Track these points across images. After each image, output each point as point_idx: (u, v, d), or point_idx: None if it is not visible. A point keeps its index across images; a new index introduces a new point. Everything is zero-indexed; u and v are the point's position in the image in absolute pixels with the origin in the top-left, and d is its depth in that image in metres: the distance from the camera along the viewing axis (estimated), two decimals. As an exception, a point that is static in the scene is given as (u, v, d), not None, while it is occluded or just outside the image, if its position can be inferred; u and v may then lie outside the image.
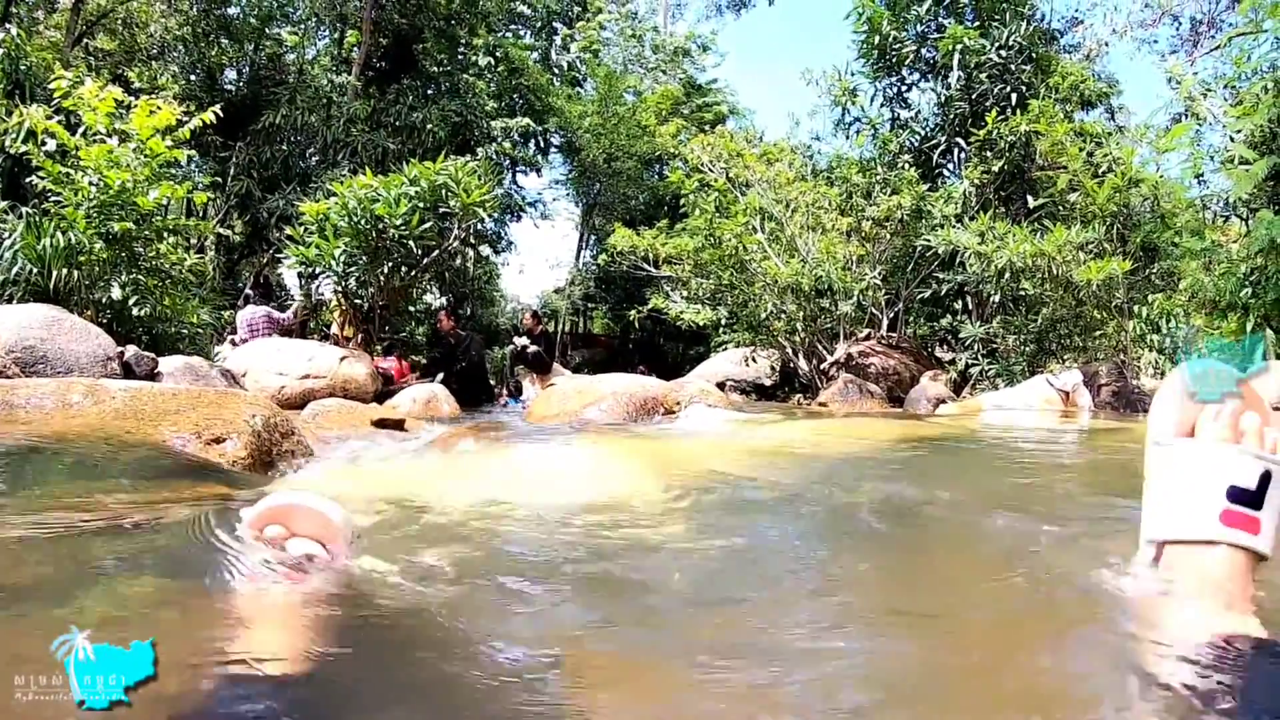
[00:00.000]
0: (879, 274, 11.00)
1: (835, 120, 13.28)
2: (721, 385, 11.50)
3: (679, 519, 2.06)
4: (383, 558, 1.34)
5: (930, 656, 1.09)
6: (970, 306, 11.35)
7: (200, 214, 11.68)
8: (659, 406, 5.69)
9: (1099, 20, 16.01)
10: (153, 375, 4.92)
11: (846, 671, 1.04)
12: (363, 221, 8.26)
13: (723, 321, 13.34)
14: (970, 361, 10.12)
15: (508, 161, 19.88)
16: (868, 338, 10.88)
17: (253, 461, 2.35)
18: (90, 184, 6.24)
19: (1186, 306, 8.62)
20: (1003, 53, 11.56)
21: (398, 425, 4.69)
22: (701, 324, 13.52)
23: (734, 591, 1.43)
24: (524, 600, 1.33)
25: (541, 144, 21.57)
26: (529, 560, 1.58)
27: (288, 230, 9.31)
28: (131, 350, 5.04)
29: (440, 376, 8.68)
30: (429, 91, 17.23)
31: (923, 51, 12.37)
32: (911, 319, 12.31)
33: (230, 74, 16.86)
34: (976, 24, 12.01)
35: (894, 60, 12.55)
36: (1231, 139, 8.63)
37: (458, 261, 16.55)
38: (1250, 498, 0.95)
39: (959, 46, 11.44)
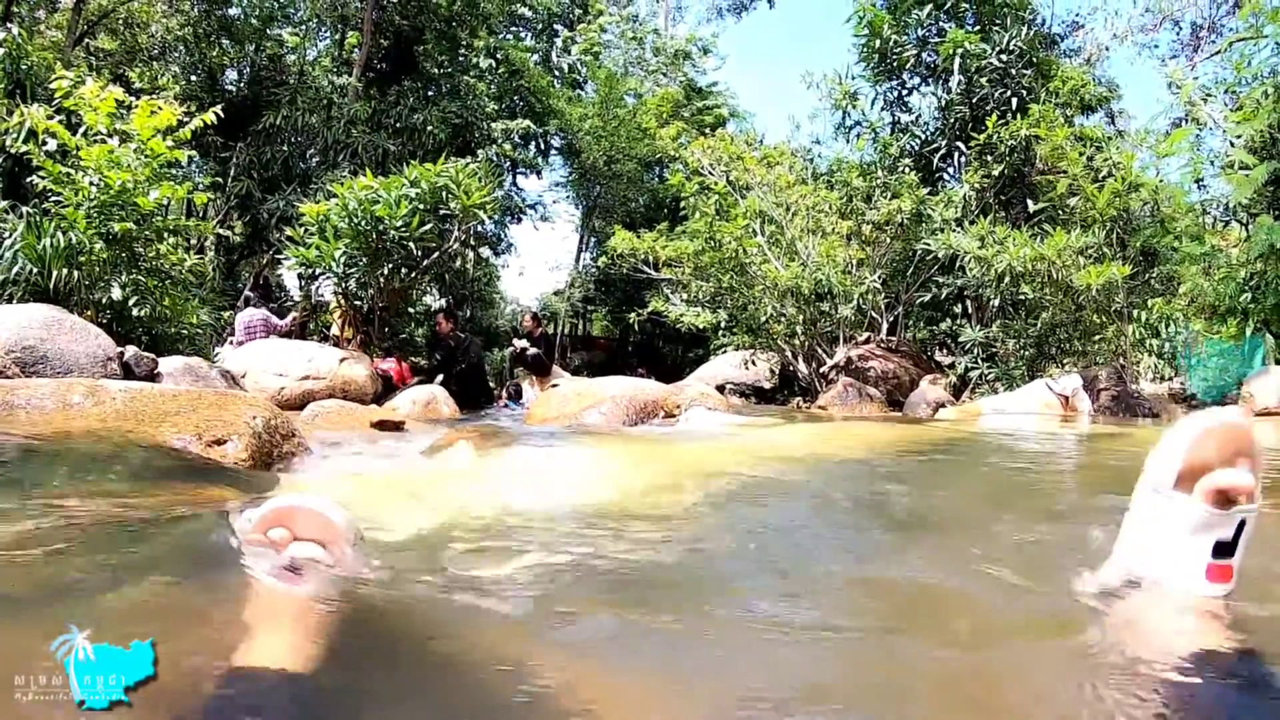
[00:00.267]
0: (879, 278, 10.99)
1: (836, 124, 13.28)
2: (721, 388, 11.50)
3: (683, 522, 2.06)
4: (385, 560, 1.34)
5: (907, 663, 1.09)
6: (970, 310, 11.34)
7: (200, 214, 11.71)
8: (659, 409, 5.68)
9: (1099, 25, 16.10)
10: (152, 376, 4.92)
11: (840, 673, 1.05)
12: (363, 223, 8.26)
13: (722, 324, 13.34)
14: (970, 365, 10.12)
15: (508, 163, 19.90)
16: (867, 341, 10.87)
17: (254, 463, 2.35)
18: (91, 184, 6.23)
19: (1186, 311, 8.63)
20: (1003, 57, 11.57)
21: (397, 427, 4.69)
22: (701, 327, 13.53)
23: (738, 595, 1.43)
24: (527, 602, 1.33)
25: (542, 146, 21.59)
26: (531, 562, 1.58)
27: (288, 231, 9.30)
28: (131, 351, 5.04)
29: (440, 379, 8.68)
30: (429, 93, 17.24)
31: (923, 55, 12.37)
32: (911, 323, 12.31)
33: (231, 74, 16.87)
34: (977, 28, 12.03)
35: (894, 64, 12.55)
36: (1232, 144, 8.66)
37: (458, 263, 16.55)
38: (1229, 547, 1.03)
39: (959, 51, 11.45)
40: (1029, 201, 10.75)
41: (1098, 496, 2.48)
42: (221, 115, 7.51)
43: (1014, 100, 11.42)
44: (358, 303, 9.07)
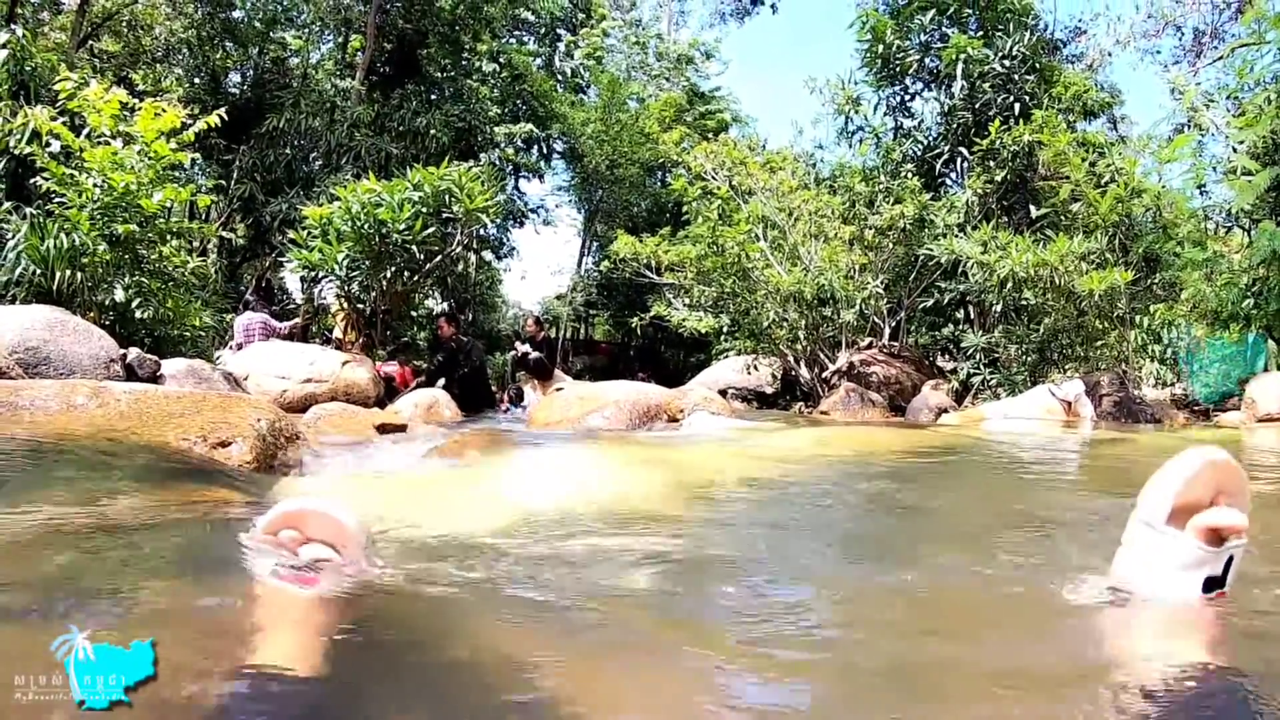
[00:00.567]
0: (881, 283, 10.99)
1: (838, 129, 13.30)
2: (723, 393, 11.49)
3: (692, 525, 2.06)
4: (392, 563, 1.33)
5: (908, 663, 1.09)
6: (972, 316, 11.33)
7: (203, 217, 11.71)
8: (661, 414, 5.68)
9: (1102, 30, 16.05)
10: (155, 378, 4.91)
11: (840, 672, 1.05)
12: (366, 226, 8.26)
13: (724, 329, 13.34)
14: (972, 371, 10.11)
15: (510, 167, 19.95)
16: (869, 346, 10.87)
17: (258, 465, 2.34)
18: (94, 186, 6.24)
19: (1188, 317, 8.62)
20: (1006, 63, 11.58)
21: (400, 430, 4.69)
22: (703, 331, 13.52)
23: (743, 599, 1.42)
24: (532, 605, 1.32)
25: (544, 150, 21.63)
26: (537, 565, 1.57)
27: (290, 234, 9.32)
28: (134, 352, 5.04)
29: (442, 383, 8.67)
30: (432, 97, 17.28)
31: (926, 61, 12.39)
32: (913, 328, 12.31)
33: (234, 77, 16.93)
34: (980, 34, 12.04)
35: (897, 69, 12.57)
36: (1234, 150, 8.64)
37: (460, 267, 16.58)
38: (1218, 581, 1.06)
39: (962, 56, 11.46)
40: (1031, 207, 10.74)
41: (1099, 502, 2.47)
42: (225, 118, 7.52)
43: (1016, 106, 11.43)
44: (360, 306, 9.07)
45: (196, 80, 15.71)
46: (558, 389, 7.22)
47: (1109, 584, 1.19)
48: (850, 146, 13.25)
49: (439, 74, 17.74)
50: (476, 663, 1.05)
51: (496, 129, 18.18)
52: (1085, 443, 5.43)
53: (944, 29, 12.33)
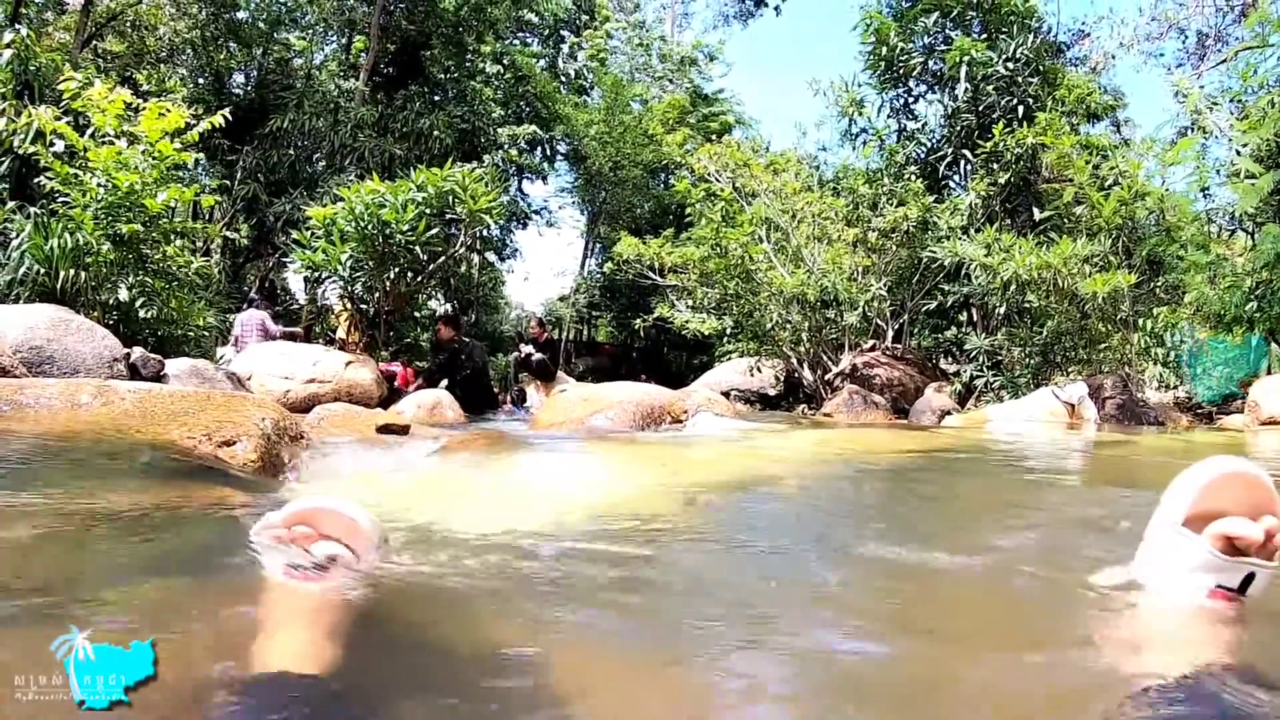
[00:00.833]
0: (884, 285, 10.98)
1: (842, 131, 13.31)
2: (726, 394, 11.50)
3: (697, 524, 2.05)
4: (403, 562, 1.33)
5: (906, 667, 1.09)
6: (975, 318, 11.32)
7: (207, 217, 11.74)
8: (665, 415, 5.66)
9: (1105, 33, 16.00)
10: (159, 377, 4.91)
11: (839, 673, 1.05)
12: (369, 227, 8.26)
13: (728, 331, 13.34)
14: (975, 373, 10.09)
15: (514, 168, 19.96)
16: (873, 349, 10.86)
17: (263, 465, 2.34)
18: (98, 185, 6.25)
19: (1191, 320, 8.61)
20: (1009, 65, 11.57)
21: (403, 431, 4.68)
22: (706, 333, 13.52)
23: (748, 601, 1.42)
24: (539, 606, 1.32)
25: (548, 151, 21.68)
26: (545, 567, 1.57)
27: (294, 234, 9.32)
28: (138, 352, 5.04)
29: (444, 384, 8.67)
30: (436, 98, 17.31)
31: (930, 63, 12.38)
32: (917, 330, 12.29)
33: (238, 78, 16.99)
34: (983, 36, 12.03)
35: (901, 72, 12.57)
36: (1238, 153, 8.63)
37: (463, 268, 16.56)
38: (1234, 593, 1.05)
39: (966, 59, 11.46)
40: (1035, 209, 10.74)
41: (1101, 503, 2.47)
42: (229, 118, 7.53)
43: (1020, 108, 11.43)
44: (363, 306, 9.07)
45: (200, 80, 15.77)
46: (561, 390, 7.21)
47: (1129, 576, 1.20)
48: (854, 149, 13.27)
49: (442, 75, 17.78)
50: (488, 660, 1.04)
51: (500, 130, 18.20)
52: (1088, 445, 5.42)
53: (947, 31, 12.34)
